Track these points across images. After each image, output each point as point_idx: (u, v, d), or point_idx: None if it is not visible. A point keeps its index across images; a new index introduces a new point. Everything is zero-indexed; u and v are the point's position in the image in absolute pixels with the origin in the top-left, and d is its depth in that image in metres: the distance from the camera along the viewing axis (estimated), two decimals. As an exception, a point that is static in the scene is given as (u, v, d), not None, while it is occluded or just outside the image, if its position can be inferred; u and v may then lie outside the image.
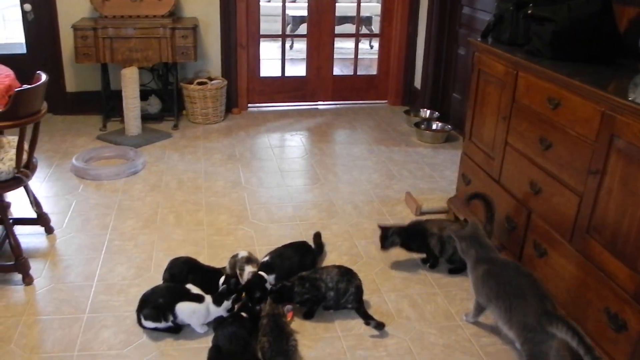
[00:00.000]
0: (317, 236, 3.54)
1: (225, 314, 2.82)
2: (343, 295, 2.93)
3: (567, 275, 2.72)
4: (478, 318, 2.97)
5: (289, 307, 2.92)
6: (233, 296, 2.83)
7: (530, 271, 2.78)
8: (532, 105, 3.02)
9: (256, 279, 2.97)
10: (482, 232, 2.95)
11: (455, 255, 3.18)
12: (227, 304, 2.82)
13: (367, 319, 2.89)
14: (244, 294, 2.93)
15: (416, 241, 3.41)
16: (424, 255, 3.48)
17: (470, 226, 2.98)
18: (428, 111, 5.93)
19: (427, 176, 4.67)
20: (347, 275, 2.97)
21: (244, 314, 2.77)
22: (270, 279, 3.00)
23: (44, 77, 3.17)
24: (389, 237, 3.36)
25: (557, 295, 2.79)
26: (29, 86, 3.02)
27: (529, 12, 3.12)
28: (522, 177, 3.12)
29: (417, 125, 5.59)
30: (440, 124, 5.61)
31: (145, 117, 5.58)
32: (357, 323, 2.93)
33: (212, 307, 2.81)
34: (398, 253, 3.51)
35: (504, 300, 2.62)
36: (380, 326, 2.87)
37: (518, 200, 3.15)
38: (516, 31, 3.33)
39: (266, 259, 3.17)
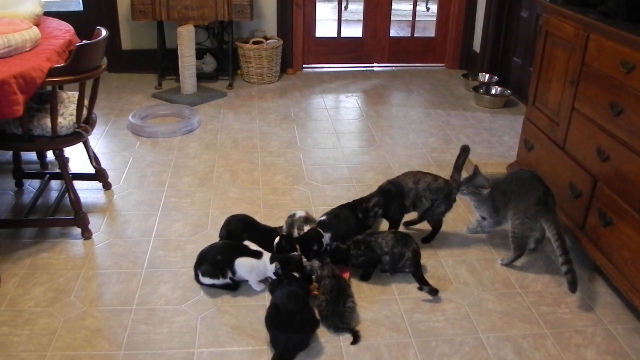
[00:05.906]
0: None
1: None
2: (399, 259, 2.89)
3: (634, 247, 2.63)
4: (475, 232, 3.35)
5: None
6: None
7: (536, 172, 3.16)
8: (603, 69, 2.90)
9: (313, 232, 2.96)
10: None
11: (430, 211, 3.20)
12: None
13: (422, 283, 2.86)
14: (299, 247, 2.93)
15: (394, 203, 3.18)
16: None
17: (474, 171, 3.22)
18: (487, 75, 5.78)
19: (485, 141, 4.57)
20: (402, 240, 2.92)
21: (296, 274, 2.74)
22: (326, 237, 2.99)
23: (104, 32, 3.16)
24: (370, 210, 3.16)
25: (622, 265, 2.71)
26: (90, 41, 3.02)
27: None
28: (589, 143, 3.01)
29: (475, 89, 5.46)
30: (499, 89, 5.46)
31: (200, 76, 5.58)
32: (415, 287, 2.89)
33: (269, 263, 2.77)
34: (455, 217, 3.46)
35: (512, 193, 3.04)
36: (433, 292, 2.83)
37: (583, 168, 3.05)
38: (588, -9, 3.20)
39: (323, 218, 3.14)
